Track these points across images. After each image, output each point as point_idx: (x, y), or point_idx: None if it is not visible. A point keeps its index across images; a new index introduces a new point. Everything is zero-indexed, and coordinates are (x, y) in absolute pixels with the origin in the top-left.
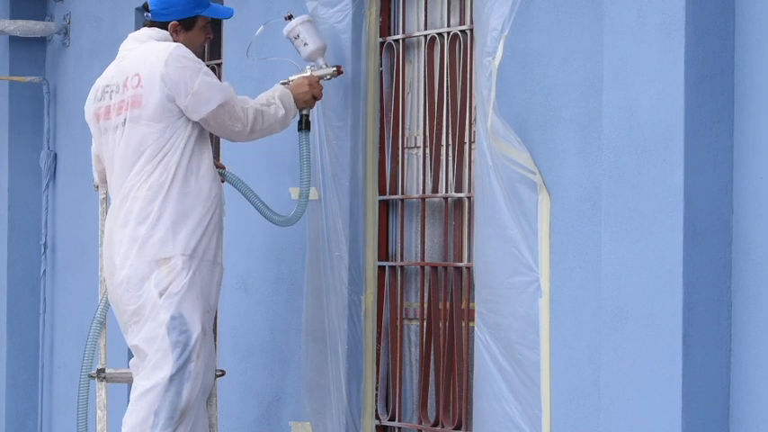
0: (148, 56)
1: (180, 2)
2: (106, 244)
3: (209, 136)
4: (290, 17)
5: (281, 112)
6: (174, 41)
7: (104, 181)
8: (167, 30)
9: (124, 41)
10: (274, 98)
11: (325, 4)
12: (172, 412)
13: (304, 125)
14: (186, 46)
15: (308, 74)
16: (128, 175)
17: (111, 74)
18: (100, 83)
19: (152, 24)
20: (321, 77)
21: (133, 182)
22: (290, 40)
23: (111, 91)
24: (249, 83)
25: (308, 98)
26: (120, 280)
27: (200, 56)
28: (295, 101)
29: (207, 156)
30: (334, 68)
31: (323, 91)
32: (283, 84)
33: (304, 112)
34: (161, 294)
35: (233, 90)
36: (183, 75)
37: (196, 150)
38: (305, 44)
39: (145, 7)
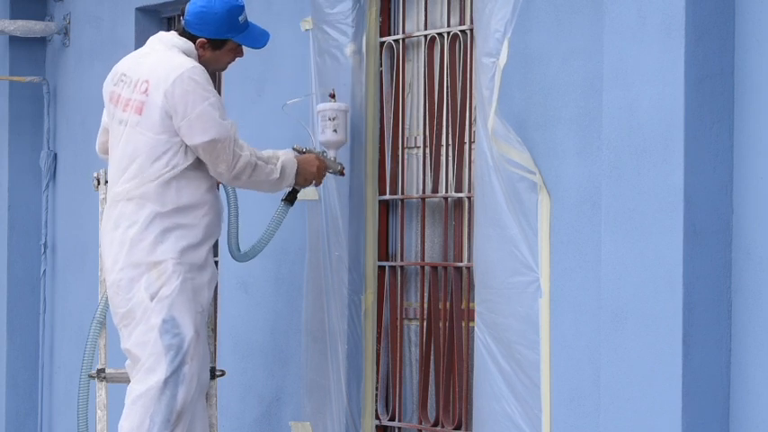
0: (162, 67)
1: (214, 21)
2: (100, 242)
3: None
4: (333, 96)
5: (275, 176)
6: (200, 55)
7: (102, 151)
8: (194, 42)
9: (153, 36)
10: (277, 160)
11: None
12: (168, 415)
13: (289, 199)
14: (211, 63)
15: (321, 156)
16: (120, 179)
17: (130, 64)
18: (119, 68)
19: (183, 32)
20: (327, 168)
21: (125, 186)
22: (323, 117)
23: (125, 83)
24: (249, 83)
25: (310, 179)
26: (110, 282)
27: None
28: (297, 174)
29: (206, 167)
30: (341, 168)
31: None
32: (296, 150)
33: (297, 187)
34: (152, 298)
35: (234, 130)
36: (185, 99)
37: (195, 162)
38: (334, 131)
39: (183, 12)
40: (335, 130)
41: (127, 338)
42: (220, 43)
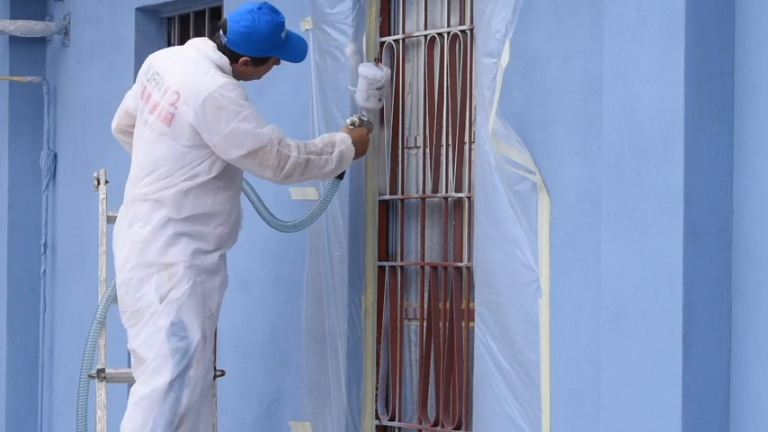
0: (193, 82)
1: (259, 41)
2: (113, 241)
3: None
4: (379, 60)
5: (330, 167)
6: (241, 72)
7: (119, 131)
8: (236, 60)
9: (191, 40)
10: (333, 148)
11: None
12: (171, 418)
13: (340, 175)
14: (251, 76)
15: (369, 126)
16: (140, 182)
17: (165, 63)
18: (155, 61)
19: (224, 48)
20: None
21: (144, 189)
22: (370, 84)
23: (157, 83)
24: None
25: (363, 155)
26: (120, 281)
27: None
28: (354, 156)
29: (228, 177)
30: (372, 125)
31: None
32: (351, 123)
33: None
34: (161, 300)
35: (276, 134)
36: (217, 117)
37: (219, 173)
38: (379, 99)
39: (223, 26)
40: (380, 99)
41: (133, 338)
42: (263, 60)
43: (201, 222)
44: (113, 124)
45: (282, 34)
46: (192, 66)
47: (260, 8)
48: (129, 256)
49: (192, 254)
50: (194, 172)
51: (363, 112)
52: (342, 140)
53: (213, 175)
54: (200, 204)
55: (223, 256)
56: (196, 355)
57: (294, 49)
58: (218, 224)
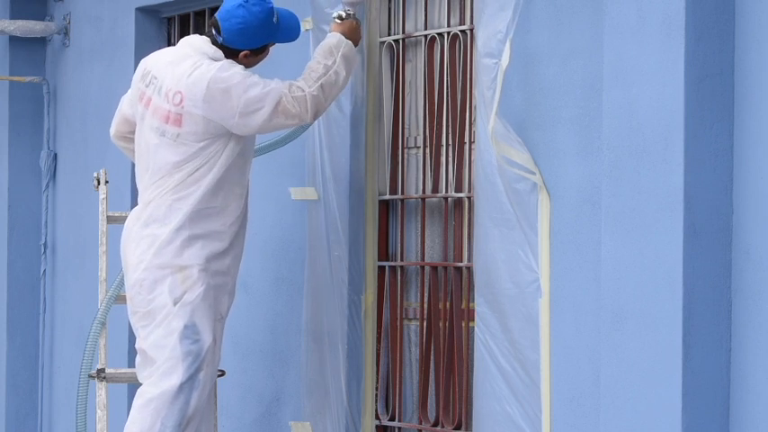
0: (192, 78)
1: (255, 33)
2: (123, 240)
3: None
4: None
5: (342, 74)
6: (242, 62)
7: (118, 137)
8: (236, 55)
9: (185, 39)
10: (335, 56)
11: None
12: (179, 420)
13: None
14: (252, 65)
15: (355, 16)
16: (160, 181)
17: (160, 66)
18: (149, 66)
19: (221, 47)
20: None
21: (164, 188)
22: None
23: (155, 87)
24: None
25: (358, 42)
26: (132, 282)
27: None
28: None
29: (239, 171)
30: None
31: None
32: (338, 18)
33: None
34: (175, 302)
35: (283, 84)
36: (226, 95)
37: (231, 167)
38: None
39: (214, 26)
40: None
41: (144, 339)
42: (263, 48)
43: (218, 219)
44: (112, 131)
45: (274, 19)
46: (187, 63)
47: (246, 0)
48: (144, 257)
49: (207, 258)
50: (212, 166)
51: (347, 8)
52: (337, 43)
53: (229, 165)
54: (217, 201)
55: (236, 260)
56: (207, 358)
57: (288, 29)
58: (232, 222)
